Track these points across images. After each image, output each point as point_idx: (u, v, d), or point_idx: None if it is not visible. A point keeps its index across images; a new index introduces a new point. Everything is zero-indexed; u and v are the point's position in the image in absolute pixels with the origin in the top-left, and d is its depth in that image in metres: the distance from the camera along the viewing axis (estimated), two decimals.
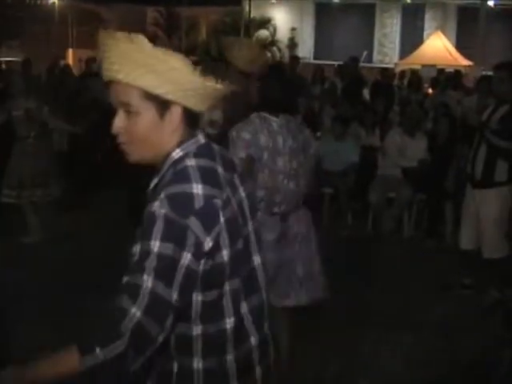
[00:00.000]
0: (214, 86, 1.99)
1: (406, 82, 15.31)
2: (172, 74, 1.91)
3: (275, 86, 4.13)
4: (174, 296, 1.81)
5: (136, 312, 1.78)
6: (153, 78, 1.91)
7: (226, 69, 4.75)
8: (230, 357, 2.01)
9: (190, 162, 1.94)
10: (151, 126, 1.97)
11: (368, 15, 29.93)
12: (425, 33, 28.12)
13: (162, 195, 1.86)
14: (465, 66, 21.45)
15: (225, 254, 1.91)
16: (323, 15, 30.60)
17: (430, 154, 8.39)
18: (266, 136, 3.97)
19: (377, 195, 8.40)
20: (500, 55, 20.53)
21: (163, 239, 1.81)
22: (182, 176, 1.91)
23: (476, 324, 5.58)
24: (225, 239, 1.91)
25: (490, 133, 5.86)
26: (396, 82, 15.06)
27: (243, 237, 2.03)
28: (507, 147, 5.84)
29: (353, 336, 5.33)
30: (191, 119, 2.02)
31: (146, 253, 1.81)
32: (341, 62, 13.46)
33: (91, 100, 11.15)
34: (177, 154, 1.98)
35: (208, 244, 1.86)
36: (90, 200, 9.07)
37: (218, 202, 1.90)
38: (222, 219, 1.90)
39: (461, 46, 25.94)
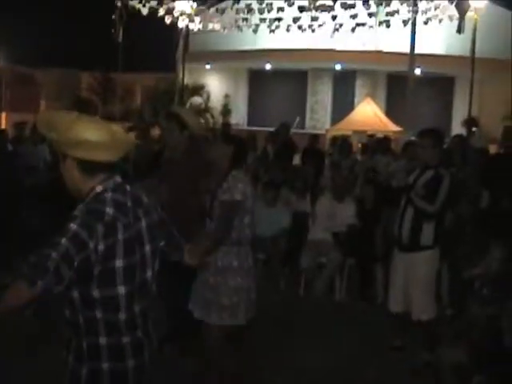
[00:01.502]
0: (124, 139, 2.88)
1: (336, 147, 15.52)
2: (67, 134, 2.70)
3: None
4: (76, 262, 2.56)
5: (56, 256, 2.52)
6: (56, 137, 2.74)
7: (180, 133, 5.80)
8: (125, 339, 2.79)
9: (108, 195, 2.77)
10: (62, 169, 2.84)
11: (300, 82, 30.57)
12: (355, 99, 28.85)
13: (84, 208, 2.72)
14: (394, 132, 22.03)
15: (118, 262, 2.70)
16: (257, 82, 31.13)
17: (359, 218, 8.53)
18: (249, 186, 4.95)
19: (308, 260, 8.48)
20: (428, 121, 21.23)
21: (80, 225, 2.62)
22: (100, 201, 2.75)
23: None
24: (120, 251, 2.70)
25: (416, 196, 6.00)
26: (327, 147, 15.28)
27: (140, 254, 2.82)
28: (432, 211, 5.99)
29: None
30: (88, 167, 2.77)
31: (66, 230, 2.61)
32: (273, 129, 13.64)
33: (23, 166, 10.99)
34: (99, 188, 2.79)
35: (101, 247, 2.64)
36: None
37: (121, 223, 2.72)
38: (120, 236, 2.71)
39: (390, 112, 26.72)
